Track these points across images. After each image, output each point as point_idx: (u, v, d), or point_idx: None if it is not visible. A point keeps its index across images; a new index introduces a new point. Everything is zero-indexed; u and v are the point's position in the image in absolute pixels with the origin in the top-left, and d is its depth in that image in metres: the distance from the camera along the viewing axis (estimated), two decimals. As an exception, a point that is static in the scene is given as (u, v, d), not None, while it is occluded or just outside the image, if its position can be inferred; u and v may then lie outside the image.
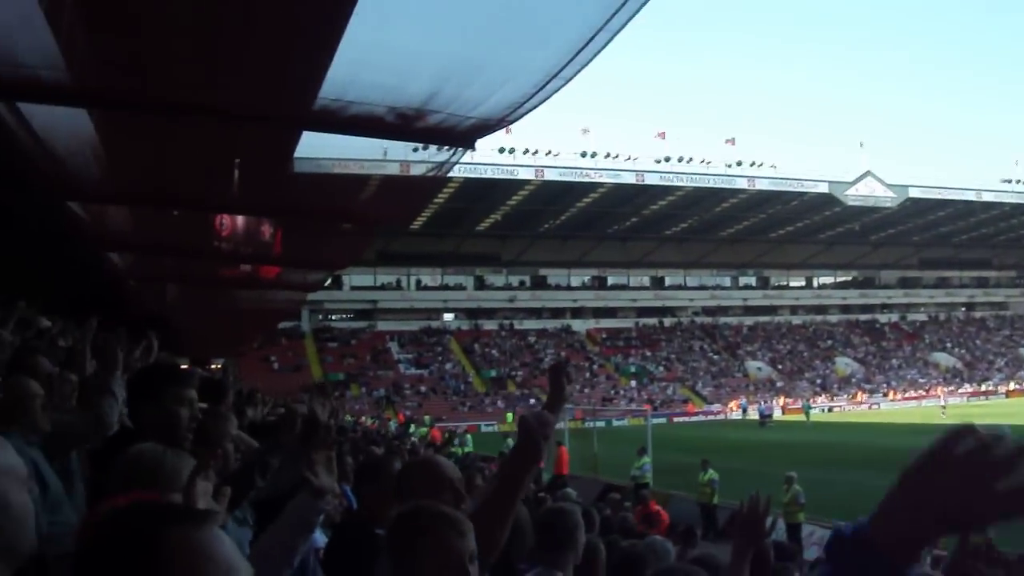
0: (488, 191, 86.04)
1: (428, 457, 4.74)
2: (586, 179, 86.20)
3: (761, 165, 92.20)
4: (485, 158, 75.45)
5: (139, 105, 8.25)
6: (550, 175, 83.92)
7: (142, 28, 7.27)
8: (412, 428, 55.25)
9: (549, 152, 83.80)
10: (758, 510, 4.38)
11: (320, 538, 5.87)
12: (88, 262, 19.05)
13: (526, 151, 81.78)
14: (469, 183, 78.84)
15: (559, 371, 4.31)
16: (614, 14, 5.53)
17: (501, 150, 79.95)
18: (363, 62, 6.99)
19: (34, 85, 7.55)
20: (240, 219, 16.29)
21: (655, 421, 54.09)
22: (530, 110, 7.36)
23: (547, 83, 6.79)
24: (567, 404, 5.34)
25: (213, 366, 56.88)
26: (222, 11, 6.98)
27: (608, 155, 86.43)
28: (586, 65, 6.51)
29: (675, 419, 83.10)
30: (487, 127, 7.75)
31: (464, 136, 7.90)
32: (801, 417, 78.67)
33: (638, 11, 5.50)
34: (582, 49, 6.19)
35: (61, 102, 8.70)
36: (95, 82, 8.11)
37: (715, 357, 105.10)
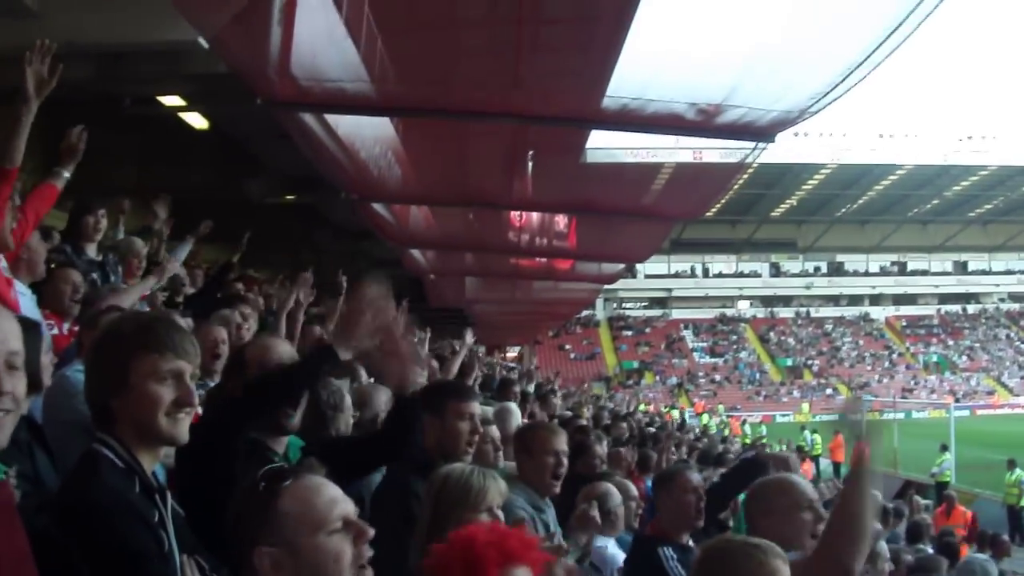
0: (782, 176, 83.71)
1: (784, 477, 4.54)
2: (884, 161, 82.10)
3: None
4: (779, 142, 73.02)
5: (438, 112, 8.46)
6: (846, 158, 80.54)
7: (438, 38, 7.43)
8: (706, 418, 54.73)
9: (845, 134, 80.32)
10: None
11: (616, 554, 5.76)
12: (391, 259, 20.00)
13: (820, 134, 78.74)
14: (763, 168, 76.57)
15: None
16: (917, 5, 5.12)
17: (795, 133, 77.44)
18: (663, 60, 6.85)
19: (341, 98, 7.87)
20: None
21: (958, 414, 50.83)
22: (832, 101, 6.99)
23: (850, 73, 6.41)
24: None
25: (510, 353, 58.72)
26: (512, 16, 7.03)
27: (907, 135, 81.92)
28: (890, 55, 6.08)
29: (979, 412, 77.75)
30: (788, 121, 7.44)
31: (764, 131, 7.61)
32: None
33: (940, 4, 5.07)
34: (887, 39, 5.79)
35: (366, 112, 9.09)
36: (397, 92, 8.40)
37: (1023, 346, 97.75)
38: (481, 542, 2.30)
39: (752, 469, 6.78)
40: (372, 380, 6.34)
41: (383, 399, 5.42)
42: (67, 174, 5.62)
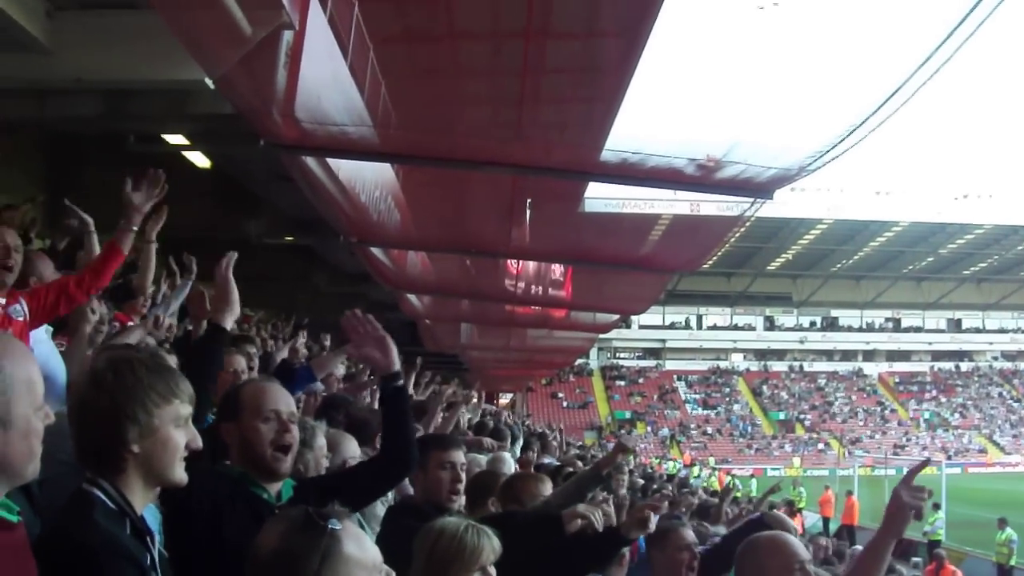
0: (779, 230, 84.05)
1: (777, 535, 4.52)
2: (880, 217, 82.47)
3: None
4: (776, 196, 73.29)
5: (439, 160, 8.53)
6: (843, 213, 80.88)
7: (441, 86, 7.51)
8: (697, 470, 54.52)
9: (842, 190, 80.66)
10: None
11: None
12: (388, 302, 20.02)
13: (818, 189, 79.07)
14: (759, 222, 76.83)
15: None
16: (919, 67, 5.20)
17: (792, 188, 77.63)
18: (664, 115, 6.92)
19: (343, 142, 7.93)
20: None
21: (949, 471, 50.62)
22: (832, 160, 7.06)
23: (850, 133, 6.48)
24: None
25: (502, 400, 58.55)
26: (516, 66, 7.11)
27: (903, 192, 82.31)
28: (889, 117, 6.17)
29: (970, 469, 77.48)
30: (787, 178, 7.50)
31: (763, 187, 7.68)
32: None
33: (940, 68, 5.16)
34: (886, 102, 5.87)
35: (368, 158, 9.15)
36: (398, 138, 8.47)
37: (1015, 404, 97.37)
38: None
39: (759, 530, 6.74)
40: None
41: (352, 446, 5.37)
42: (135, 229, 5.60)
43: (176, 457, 2.74)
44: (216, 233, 15.39)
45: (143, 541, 2.66)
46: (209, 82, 7.63)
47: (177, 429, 2.74)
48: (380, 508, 5.27)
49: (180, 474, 2.77)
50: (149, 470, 2.72)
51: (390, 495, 5.56)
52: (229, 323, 4.48)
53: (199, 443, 2.81)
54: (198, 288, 7.12)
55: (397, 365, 4.45)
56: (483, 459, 6.43)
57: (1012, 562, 25.90)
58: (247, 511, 3.53)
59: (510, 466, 6.59)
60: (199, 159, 12.50)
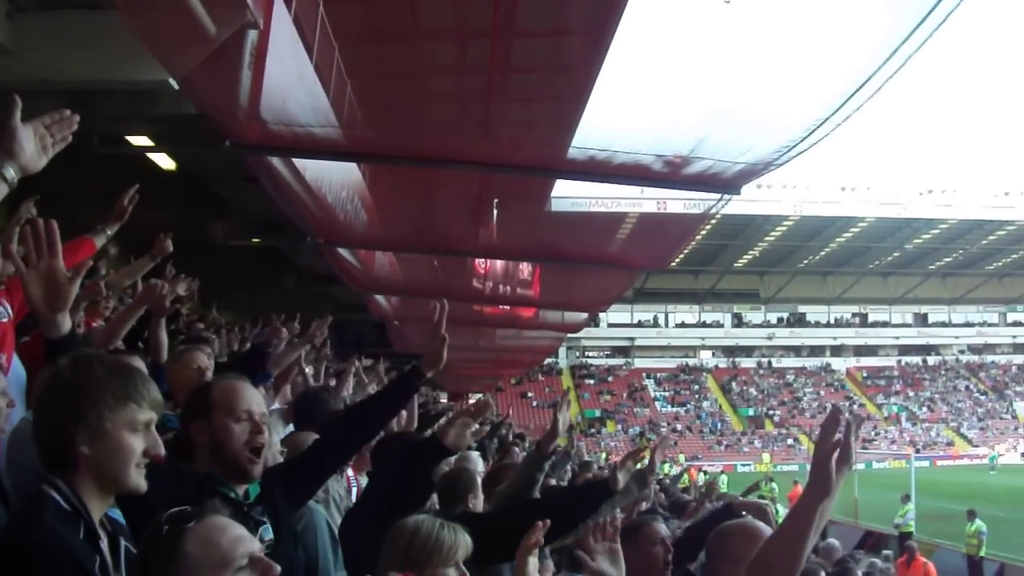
0: (745, 227, 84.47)
1: (747, 522, 4.50)
2: (846, 213, 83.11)
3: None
4: (743, 193, 73.48)
5: (406, 159, 8.51)
6: (809, 209, 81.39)
7: (407, 85, 7.49)
8: (666, 467, 54.64)
9: (808, 186, 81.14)
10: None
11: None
12: (356, 304, 19.96)
13: (784, 186, 79.55)
14: (726, 219, 77.26)
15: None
16: (884, 62, 5.24)
17: (759, 185, 78.16)
18: (630, 112, 6.95)
19: (309, 142, 7.90)
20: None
21: (918, 464, 51.17)
22: (798, 155, 7.10)
23: (816, 128, 6.52)
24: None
25: (471, 400, 58.48)
26: (482, 64, 7.11)
27: (869, 188, 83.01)
28: (855, 112, 6.21)
29: (939, 462, 78.35)
30: (754, 173, 7.53)
31: (730, 182, 7.70)
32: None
33: (905, 63, 5.20)
34: (852, 96, 5.90)
35: (334, 157, 9.11)
36: (365, 138, 8.44)
37: (982, 397, 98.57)
38: None
39: (726, 519, 6.72)
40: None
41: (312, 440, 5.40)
42: (110, 232, 5.84)
43: (129, 462, 2.70)
44: (182, 235, 15.28)
45: (95, 544, 2.63)
46: (173, 83, 7.58)
47: (133, 434, 2.70)
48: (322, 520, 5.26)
49: (135, 480, 2.73)
50: (101, 473, 2.68)
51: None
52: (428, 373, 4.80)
53: (160, 450, 2.77)
54: (151, 282, 7.05)
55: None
56: (451, 459, 6.42)
57: (982, 553, 26.16)
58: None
59: (477, 464, 6.56)
60: (164, 160, 12.40)
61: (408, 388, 4.82)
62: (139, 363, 4.76)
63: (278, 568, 2.39)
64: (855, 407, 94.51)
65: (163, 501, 3.42)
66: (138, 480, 2.73)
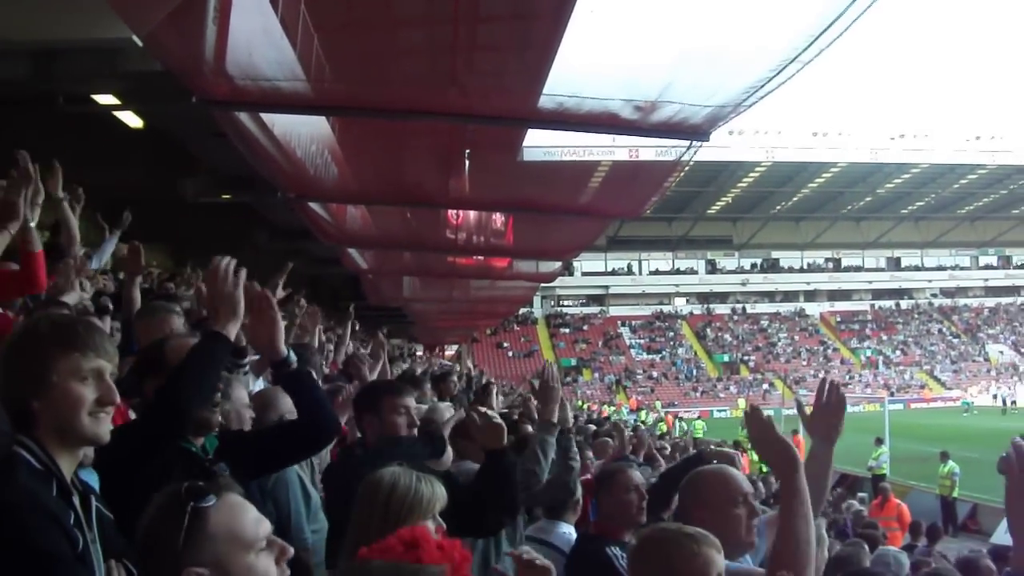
0: (718, 174, 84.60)
1: (720, 469, 4.57)
2: (818, 159, 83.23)
3: (1002, 138, 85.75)
4: (714, 140, 73.24)
5: (375, 111, 8.48)
6: (781, 155, 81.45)
7: (374, 37, 7.45)
8: (643, 414, 55.12)
9: (780, 132, 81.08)
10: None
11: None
12: (330, 258, 19.93)
13: (756, 132, 79.47)
14: (698, 166, 77.07)
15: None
16: (852, 2, 5.26)
17: (731, 132, 78.07)
18: (599, 57, 6.94)
19: (276, 97, 7.86)
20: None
21: (892, 407, 51.71)
22: (765, 95, 7.12)
23: (783, 68, 6.54)
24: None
25: (447, 352, 58.63)
26: (449, 15, 7.09)
27: (840, 133, 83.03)
28: (825, 49, 6.23)
29: (912, 405, 79.30)
30: (722, 116, 7.55)
31: (699, 128, 7.72)
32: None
33: (874, 2, 5.22)
34: (822, 33, 5.93)
35: (302, 111, 9.08)
36: (333, 91, 8.40)
37: (954, 340, 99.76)
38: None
39: (698, 466, 6.80)
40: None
41: (287, 402, 5.10)
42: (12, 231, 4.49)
43: (79, 410, 2.70)
44: (151, 193, 15.19)
45: (68, 501, 2.65)
46: (138, 40, 7.50)
47: (81, 383, 2.71)
48: (293, 475, 5.27)
49: (92, 429, 2.74)
50: (58, 427, 2.70)
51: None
52: (232, 332, 3.87)
53: (114, 397, 2.77)
54: (134, 243, 7.04)
55: (283, 351, 4.18)
56: (422, 408, 6.45)
57: (955, 494, 26.58)
58: (178, 466, 3.53)
59: (443, 415, 6.59)
60: (131, 119, 12.27)
61: (290, 388, 4.32)
62: (96, 320, 4.73)
63: (292, 550, 2.42)
64: (829, 351, 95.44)
65: (127, 457, 3.45)
66: (95, 428, 2.74)
